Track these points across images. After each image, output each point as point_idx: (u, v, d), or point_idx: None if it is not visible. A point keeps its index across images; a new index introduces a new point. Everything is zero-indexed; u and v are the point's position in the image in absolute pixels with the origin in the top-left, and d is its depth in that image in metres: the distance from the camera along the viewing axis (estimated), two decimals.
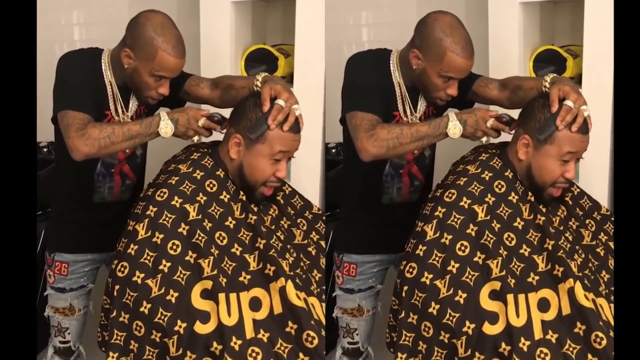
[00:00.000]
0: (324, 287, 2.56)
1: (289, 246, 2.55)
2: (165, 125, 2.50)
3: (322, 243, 2.69)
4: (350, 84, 2.67)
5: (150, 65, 2.51)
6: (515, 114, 2.60)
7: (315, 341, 2.32)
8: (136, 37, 2.53)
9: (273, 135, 2.46)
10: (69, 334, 2.83)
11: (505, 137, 2.60)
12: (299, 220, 2.68)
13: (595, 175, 2.99)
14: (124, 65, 2.56)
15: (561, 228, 2.54)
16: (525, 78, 2.79)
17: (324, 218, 2.77)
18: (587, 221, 2.65)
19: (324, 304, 2.47)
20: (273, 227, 2.56)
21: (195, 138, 2.55)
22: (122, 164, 2.70)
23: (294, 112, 2.49)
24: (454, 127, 2.53)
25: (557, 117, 2.43)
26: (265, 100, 2.47)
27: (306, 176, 3.08)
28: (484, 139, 2.56)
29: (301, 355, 2.33)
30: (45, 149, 3.54)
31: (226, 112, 2.60)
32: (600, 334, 2.29)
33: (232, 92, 2.65)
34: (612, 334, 2.31)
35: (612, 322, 2.36)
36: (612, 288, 2.49)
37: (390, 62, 2.66)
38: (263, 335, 2.33)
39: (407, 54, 2.62)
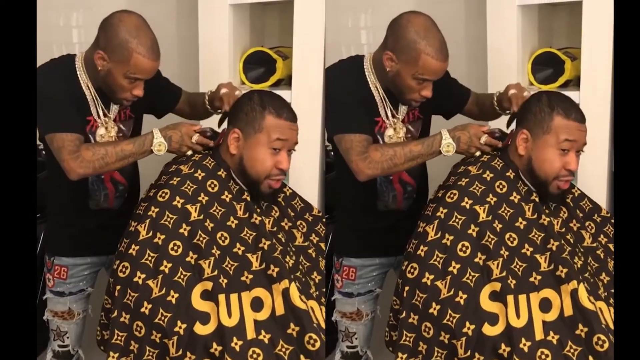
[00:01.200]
0: (324, 290, 2.56)
1: (288, 248, 2.55)
2: (159, 143, 2.52)
3: (322, 245, 2.69)
4: (331, 102, 2.68)
5: (125, 68, 2.50)
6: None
7: (317, 344, 2.31)
8: (110, 39, 2.51)
9: (269, 123, 2.47)
10: (67, 337, 2.82)
11: None
12: (298, 222, 2.68)
13: (593, 177, 2.99)
14: (97, 67, 2.55)
15: (563, 230, 2.54)
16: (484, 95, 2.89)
17: (324, 220, 2.77)
18: (587, 223, 2.66)
19: (323, 307, 2.47)
20: (275, 228, 2.56)
21: (189, 153, 2.56)
22: (112, 171, 2.68)
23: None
24: (448, 145, 2.54)
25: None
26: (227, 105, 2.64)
27: (305, 178, 3.08)
28: (477, 154, 2.58)
29: (302, 357, 2.32)
30: (44, 151, 3.52)
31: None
32: (603, 337, 2.29)
33: (196, 108, 2.82)
34: (611, 337, 2.31)
35: (611, 325, 2.36)
36: (612, 290, 2.50)
37: (365, 67, 2.66)
38: (264, 336, 2.33)
39: (381, 56, 2.61)
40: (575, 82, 3.18)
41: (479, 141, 2.55)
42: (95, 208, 2.70)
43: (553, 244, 2.42)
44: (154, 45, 2.53)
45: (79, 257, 2.75)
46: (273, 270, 2.40)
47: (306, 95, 3.11)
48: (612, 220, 2.69)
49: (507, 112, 2.71)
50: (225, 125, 2.61)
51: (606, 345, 2.28)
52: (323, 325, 2.39)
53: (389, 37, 2.59)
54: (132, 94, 2.56)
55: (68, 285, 2.76)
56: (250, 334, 2.32)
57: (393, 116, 2.67)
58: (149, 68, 2.53)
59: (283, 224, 2.61)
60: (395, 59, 2.55)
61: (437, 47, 2.51)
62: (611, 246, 2.62)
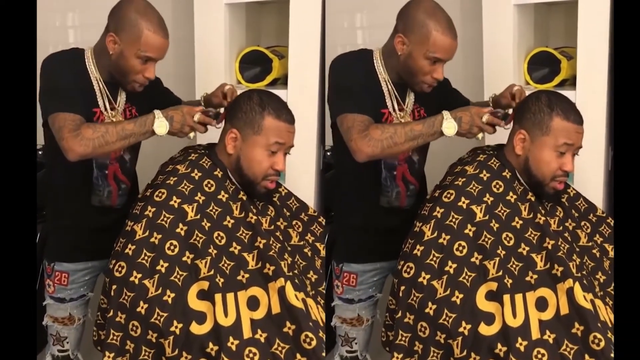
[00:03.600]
0: (320, 289, 2.56)
1: (286, 244, 2.55)
2: (160, 123, 2.50)
3: (318, 244, 2.69)
4: (336, 86, 2.68)
5: (136, 47, 2.52)
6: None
7: (314, 342, 2.31)
8: (120, 20, 2.54)
9: (268, 125, 2.48)
10: (67, 342, 2.81)
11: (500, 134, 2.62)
12: (294, 222, 2.68)
13: (589, 176, 2.99)
14: (108, 52, 2.56)
15: (560, 229, 2.54)
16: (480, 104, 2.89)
17: (319, 220, 2.76)
18: (582, 223, 2.66)
19: (320, 306, 2.47)
20: (272, 227, 2.56)
21: (191, 134, 2.54)
22: (114, 166, 2.67)
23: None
24: (449, 125, 2.53)
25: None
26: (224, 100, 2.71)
27: (301, 178, 3.08)
28: (480, 135, 2.55)
29: (298, 356, 2.31)
30: (40, 152, 3.51)
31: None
32: (599, 335, 2.29)
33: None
34: (610, 334, 2.31)
35: (609, 323, 2.36)
36: (608, 289, 2.50)
37: (374, 59, 2.68)
38: (260, 335, 2.32)
39: (391, 45, 2.64)
40: (571, 82, 3.19)
41: (480, 120, 2.53)
42: (98, 204, 2.68)
43: (549, 243, 2.43)
44: (162, 23, 2.57)
45: (80, 262, 2.74)
46: (269, 269, 2.40)
47: (302, 94, 3.11)
48: (608, 220, 2.70)
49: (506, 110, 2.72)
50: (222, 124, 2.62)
51: (602, 343, 2.28)
52: (321, 323, 2.39)
53: (399, 22, 2.64)
54: (144, 75, 2.57)
55: (69, 292, 2.75)
56: (247, 333, 2.31)
57: (400, 109, 2.67)
58: (159, 45, 2.56)
59: (279, 223, 2.61)
60: (407, 40, 2.59)
61: (446, 25, 2.57)
62: (607, 245, 2.62)
